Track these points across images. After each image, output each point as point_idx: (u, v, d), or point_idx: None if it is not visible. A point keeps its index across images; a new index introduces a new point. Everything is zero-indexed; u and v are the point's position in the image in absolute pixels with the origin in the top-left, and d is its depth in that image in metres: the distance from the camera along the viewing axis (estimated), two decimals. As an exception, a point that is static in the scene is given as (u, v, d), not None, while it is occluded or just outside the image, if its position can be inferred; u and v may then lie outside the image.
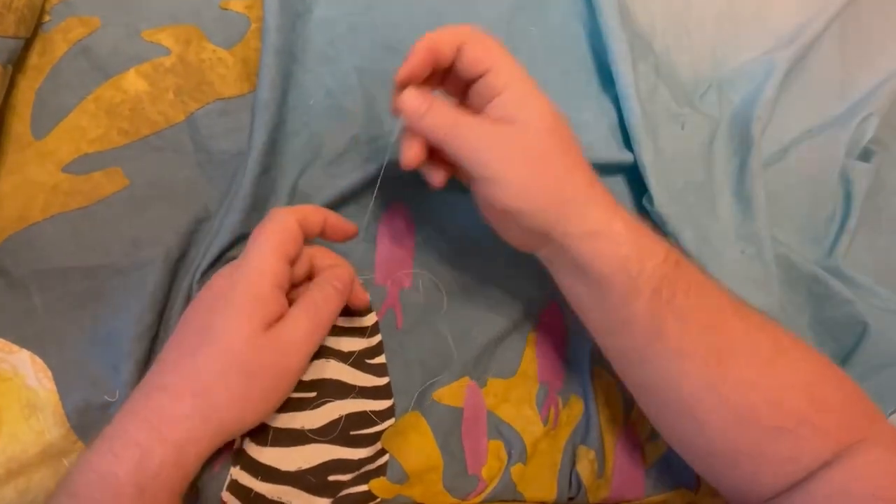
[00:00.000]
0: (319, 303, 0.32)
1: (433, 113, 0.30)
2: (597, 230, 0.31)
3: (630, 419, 0.42)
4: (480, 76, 0.31)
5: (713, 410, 0.31)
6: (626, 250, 0.31)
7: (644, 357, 0.33)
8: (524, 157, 0.30)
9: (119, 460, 0.26)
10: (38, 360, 0.32)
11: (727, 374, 0.31)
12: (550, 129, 0.30)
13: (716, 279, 0.34)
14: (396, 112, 0.31)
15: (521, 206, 0.30)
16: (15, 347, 0.32)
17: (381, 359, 0.38)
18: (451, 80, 0.33)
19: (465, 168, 0.31)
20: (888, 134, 0.52)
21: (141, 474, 0.26)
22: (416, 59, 0.30)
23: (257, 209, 0.37)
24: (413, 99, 0.30)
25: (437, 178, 0.34)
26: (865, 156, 0.51)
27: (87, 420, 0.33)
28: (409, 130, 0.32)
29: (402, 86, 0.31)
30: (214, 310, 0.30)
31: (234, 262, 0.32)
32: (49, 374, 0.32)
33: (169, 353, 0.30)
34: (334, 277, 0.33)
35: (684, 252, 0.44)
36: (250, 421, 0.31)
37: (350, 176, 0.39)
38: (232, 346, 0.29)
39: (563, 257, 0.33)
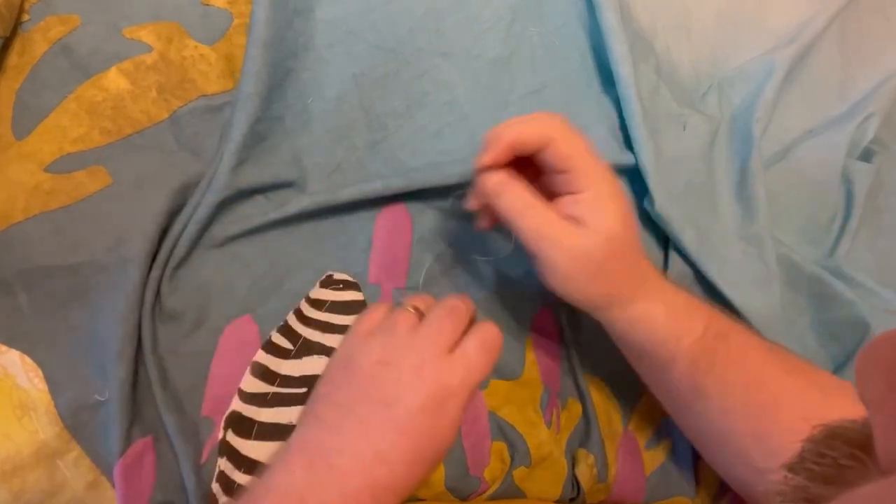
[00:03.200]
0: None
1: (508, 196, 0.37)
2: (636, 317, 0.38)
3: (629, 427, 0.46)
4: (563, 172, 0.37)
5: (765, 459, 0.37)
6: (663, 333, 0.38)
7: (690, 412, 0.41)
8: (581, 260, 0.36)
9: None
10: (28, 360, 0.36)
11: (774, 427, 0.37)
12: (614, 237, 0.36)
13: (763, 337, 0.40)
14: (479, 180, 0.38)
15: (568, 294, 0.38)
16: (3, 347, 0.36)
17: None
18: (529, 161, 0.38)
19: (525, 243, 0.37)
20: (889, 134, 0.57)
21: None
22: (498, 151, 0.37)
23: (241, 202, 0.42)
24: (491, 179, 0.37)
25: (485, 223, 0.42)
26: (866, 156, 0.56)
27: (80, 419, 0.36)
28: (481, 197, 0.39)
29: (483, 170, 0.38)
30: (444, 421, 0.35)
31: (453, 363, 0.36)
32: (40, 373, 0.36)
33: (393, 449, 0.34)
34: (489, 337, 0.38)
35: (686, 254, 0.48)
36: None
37: (351, 188, 0.44)
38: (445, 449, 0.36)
39: (609, 325, 0.40)
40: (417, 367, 0.35)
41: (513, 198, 0.36)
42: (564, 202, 0.36)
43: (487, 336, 0.37)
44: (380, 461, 0.34)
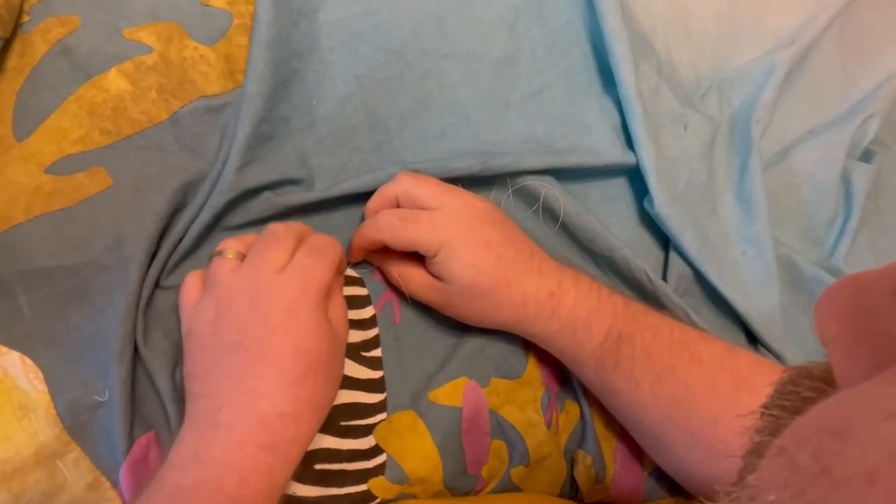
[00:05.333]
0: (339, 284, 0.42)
1: (390, 271, 0.44)
2: (532, 335, 0.43)
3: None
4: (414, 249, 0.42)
5: (688, 446, 0.40)
6: (561, 344, 0.42)
7: (610, 407, 0.43)
8: (453, 306, 0.42)
9: (250, 485, 0.32)
10: (28, 361, 0.36)
11: (690, 414, 0.39)
12: (469, 285, 0.40)
13: (675, 327, 0.42)
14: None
15: (466, 322, 0.43)
16: (4, 349, 0.36)
17: (376, 352, 0.43)
18: None
19: None
20: (889, 134, 0.58)
21: (270, 492, 0.33)
22: (355, 253, 0.44)
23: (248, 199, 0.43)
24: (383, 263, 0.45)
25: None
26: (866, 156, 0.56)
27: (80, 421, 0.36)
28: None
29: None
30: (299, 326, 0.35)
31: (286, 277, 0.37)
32: (40, 374, 0.36)
33: (264, 380, 0.34)
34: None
35: (687, 254, 0.49)
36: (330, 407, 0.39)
37: (354, 180, 0.45)
38: (333, 365, 0.37)
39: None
40: (252, 297, 0.36)
41: (396, 269, 0.43)
42: (429, 263, 0.42)
43: (315, 242, 0.39)
44: (257, 396, 0.34)
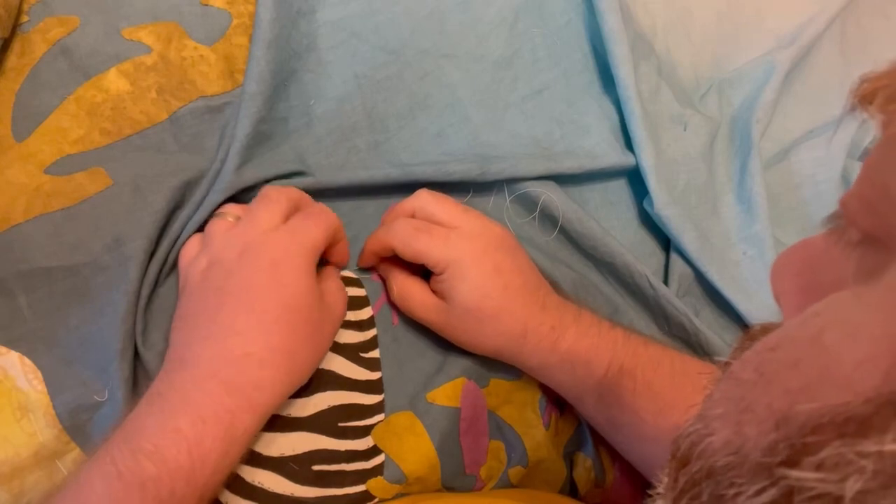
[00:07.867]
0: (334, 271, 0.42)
1: (394, 280, 0.43)
2: (532, 367, 0.42)
3: None
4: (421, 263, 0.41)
5: None
6: (560, 378, 0.41)
7: (615, 443, 0.42)
8: (453, 329, 0.41)
9: (207, 427, 0.31)
10: (28, 362, 0.36)
11: None
12: (471, 308, 0.40)
13: (676, 358, 0.42)
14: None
15: (464, 347, 0.42)
16: (3, 349, 0.36)
17: (374, 353, 0.42)
18: None
19: None
20: (889, 134, 0.57)
21: (227, 440, 0.32)
22: (364, 256, 0.44)
23: (245, 196, 0.43)
24: (381, 268, 0.45)
25: None
26: (867, 157, 0.56)
27: (79, 421, 0.36)
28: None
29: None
30: (282, 276, 0.35)
31: (277, 234, 0.37)
32: (39, 375, 0.36)
33: (237, 317, 0.34)
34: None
35: (687, 255, 0.48)
36: (309, 374, 0.38)
37: (349, 172, 0.45)
38: (317, 324, 0.36)
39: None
40: (241, 250, 0.36)
41: (398, 282, 0.43)
42: (433, 281, 0.41)
43: (311, 207, 0.40)
44: (228, 333, 0.34)
